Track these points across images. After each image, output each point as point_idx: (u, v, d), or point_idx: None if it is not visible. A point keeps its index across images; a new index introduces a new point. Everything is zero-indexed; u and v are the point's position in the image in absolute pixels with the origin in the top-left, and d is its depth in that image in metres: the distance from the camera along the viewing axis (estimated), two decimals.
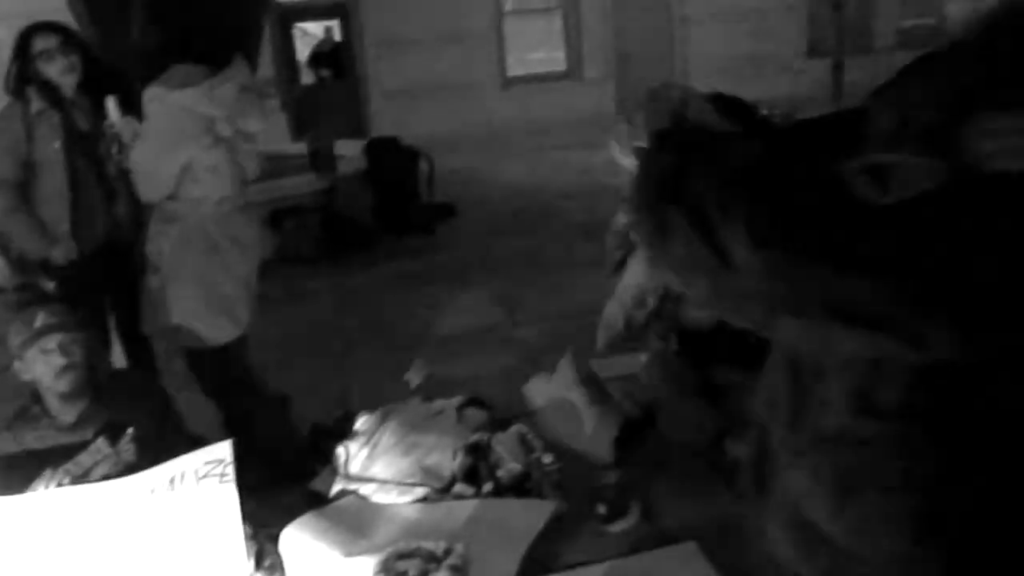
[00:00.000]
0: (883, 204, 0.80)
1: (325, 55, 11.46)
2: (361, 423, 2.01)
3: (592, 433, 1.90)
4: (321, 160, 6.82)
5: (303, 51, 11.60)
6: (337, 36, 11.44)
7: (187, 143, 2.58)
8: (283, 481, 1.92)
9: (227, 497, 1.51)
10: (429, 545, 1.54)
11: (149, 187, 2.65)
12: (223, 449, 1.55)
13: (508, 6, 11.67)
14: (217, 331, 2.69)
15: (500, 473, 1.77)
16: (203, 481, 1.53)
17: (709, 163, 0.91)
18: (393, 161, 7.08)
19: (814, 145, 1.04)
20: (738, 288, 0.85)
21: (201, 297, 2.65)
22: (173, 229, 2.65)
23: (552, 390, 2.04)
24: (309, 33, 11.73)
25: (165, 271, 2.66)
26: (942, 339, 0.79)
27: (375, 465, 1.87)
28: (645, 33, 11.75)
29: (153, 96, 2.58)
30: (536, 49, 12.27)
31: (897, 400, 0.89)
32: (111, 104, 2.66)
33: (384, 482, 1.82)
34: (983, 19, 0.88)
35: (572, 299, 4.68)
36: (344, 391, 3.56)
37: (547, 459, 1.78)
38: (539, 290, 5.31)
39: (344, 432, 2.00)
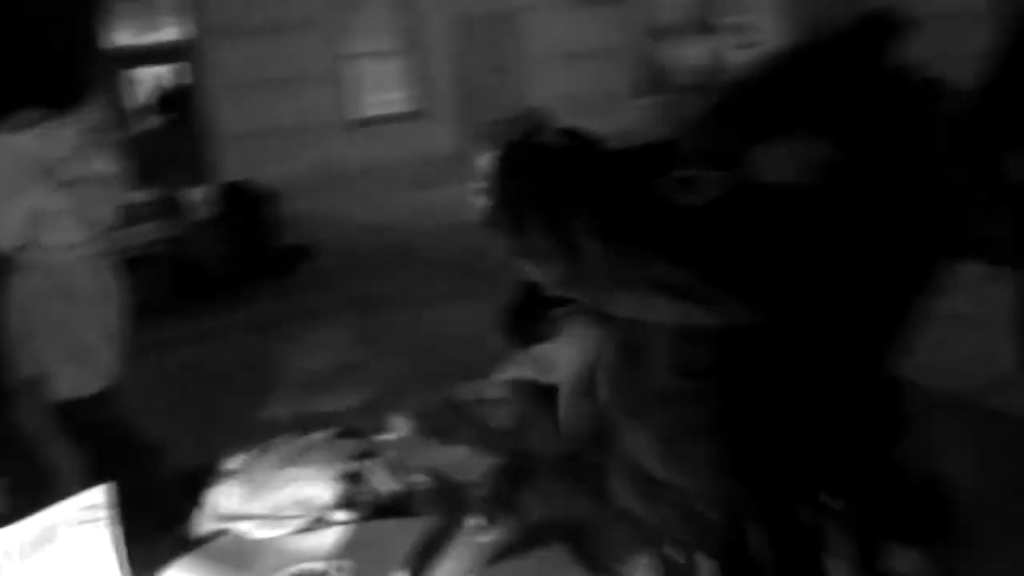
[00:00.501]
0: (688, 207, 1.08)
1: (171, 99, 11.15)
2: (235, 463, 2.04)
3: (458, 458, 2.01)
4: (169, 207, 6.66)
5: (148, 95, 11.25)
6: (183, 79, 11.18)
7: (26, 188, 2.53)
8: (160, 526, 1.92)
9: (103, 544, 1.52)
10: (313, 568, 1.61)
11: None
12: (97, 496, 1.55)
13: (357, 48, 11.74)
14: (79, 382, 2.63)
15: (376, 497, 1.86)
16: (78, 529, 1.53)
17: (558, 175, 1.16)
18: (244, 205, 6.99)
19: (642, 164, 1.30)
20: (585, 272, 1.10)
21: (59, 347, 2.59)
22: (27, 278, 2.59)
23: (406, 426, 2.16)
24: (154, 76, 11.40)
25: (22, 322, 2.59)
26: (729, 305, 1.05)
27: (252, 502, 1.91)
28: (490, 73, 12.10)
29: None
30: (387, 90, 12.43)
31: (706, 363, 1.16)
32: None
33: (262, 517, 1.86)
34: (764, 67, 1.19)
35: (431, 332, 4.78)
36: (215, 433, 3.52)
37: (419, 479, 1.88)
38: (398, 325, 5.38)
39: (218, 473, 2.02)
